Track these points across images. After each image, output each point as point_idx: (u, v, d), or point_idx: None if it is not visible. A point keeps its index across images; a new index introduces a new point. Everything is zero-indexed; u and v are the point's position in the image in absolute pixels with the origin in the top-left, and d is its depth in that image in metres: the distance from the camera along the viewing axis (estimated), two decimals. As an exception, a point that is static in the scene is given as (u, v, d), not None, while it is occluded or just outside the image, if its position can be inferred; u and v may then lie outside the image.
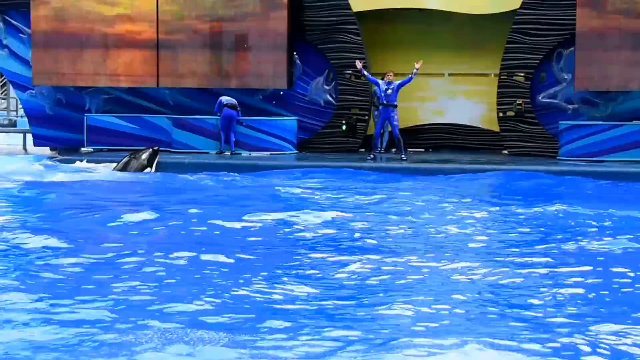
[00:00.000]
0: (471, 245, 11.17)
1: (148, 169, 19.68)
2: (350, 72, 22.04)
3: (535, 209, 13.88)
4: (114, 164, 20.11)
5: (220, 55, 22.20)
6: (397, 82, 20.32)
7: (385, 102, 20.41)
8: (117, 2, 22.31)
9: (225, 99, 21.48)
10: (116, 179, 18.58)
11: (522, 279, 9.05)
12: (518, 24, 21.37)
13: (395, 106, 20.44)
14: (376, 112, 22.35)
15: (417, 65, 20.16)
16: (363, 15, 22.27)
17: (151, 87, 22.60)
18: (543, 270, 9.40)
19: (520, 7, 21.36)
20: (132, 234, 11.73)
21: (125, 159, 19.94)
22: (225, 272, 9.26)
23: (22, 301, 8.01)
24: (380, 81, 20.48)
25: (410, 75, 20.23)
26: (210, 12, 22.08)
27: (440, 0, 22.08)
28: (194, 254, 10.09)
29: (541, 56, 21.43)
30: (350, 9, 21.93)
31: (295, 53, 22.39)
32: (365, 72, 20.59)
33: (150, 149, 20.06)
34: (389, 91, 20.34)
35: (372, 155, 20.60)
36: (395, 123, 20.53)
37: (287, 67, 21.99)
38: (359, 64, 20.72)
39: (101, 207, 14.08)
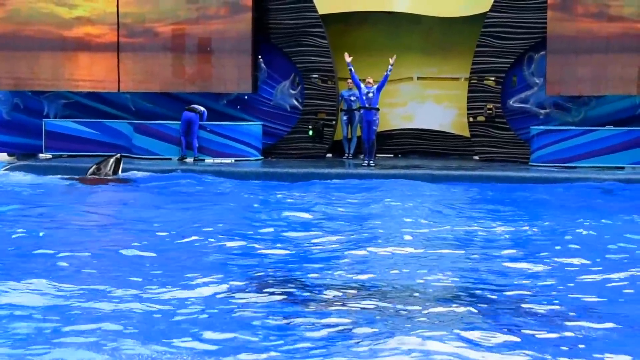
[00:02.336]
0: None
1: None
2: (316, 76, 21.50)
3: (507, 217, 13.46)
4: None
5: (183, 58, 21.62)
6: (377, 85, 19.77)
7: (367, 105, 19.86)
8: (76, 5, 21.65)
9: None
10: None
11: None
12: (488, 27, 20.93)
13: (377, 109, 19.90)
14: (344, 117, 21.86)
15: (391, 61, 19.63)
16: (329, 18, 21.75)
17: (112, 92, 21.96)
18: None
19: (490, 10, 20.93)
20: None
21: (91, 170, 19.10)
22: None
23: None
24: (362, 85, 19.90)
25: (386, 73, 19.67)
26: (172, 14, 21.47)
27: (409, 3, 21.63)
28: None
29: (512, 60, 21.00)
30: (316, 11, 21.40)
31: (260, 57, 21.81)
32: (352, 70, 19.82)
33: (114, 158, 19.23)
34: (371, 94, 19.78)
35: (367, 161, 19.96)
36: (374, 127, 19.99)
37: (252, 71, 21.43)
38: (347, 57, 19.97)
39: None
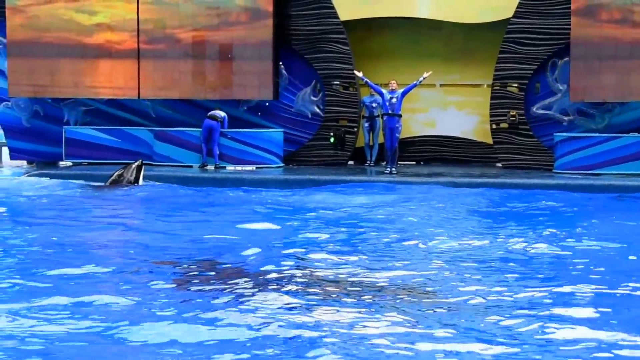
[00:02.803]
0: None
1: (135, 185, 18.73)
2: (338, 82, 21.37)
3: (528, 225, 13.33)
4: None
5: (204, 65, 21.50)
6: (401, 90, 19.63)
7: (390, 111, 19.71)
8: (96, 11, 21.57)
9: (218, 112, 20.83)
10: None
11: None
12: (511, 33, 20.74)
13: (400, 116, 19.76)
14: (366, 124, 21.72)
15: (425, 74, 19.54)
16: (351, 24, 21.59)
17: (132, 99, 21.86)
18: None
19: (513, 16, 20.74)
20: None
21: (112, 178, 18.95)
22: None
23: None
24: (384, 90, 19.77)
25: (415, 82, 19.58)
26: (192, 20, 21.36)
27: (431, 9, 21.46)
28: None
29: (535, 66, 20.80)
30: (337, 17, 21.25)
31: (281, 63, 21.68)
32: (368, 80, 19.83)
33: (135, 164, 19.05)
34: (394, 100, 19.64)
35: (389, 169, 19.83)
36: (397, 135, 19.85)
37: (273, 78, 21.29)
38: (358, 73, 19.99)
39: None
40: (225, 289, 8.82)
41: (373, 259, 10.57)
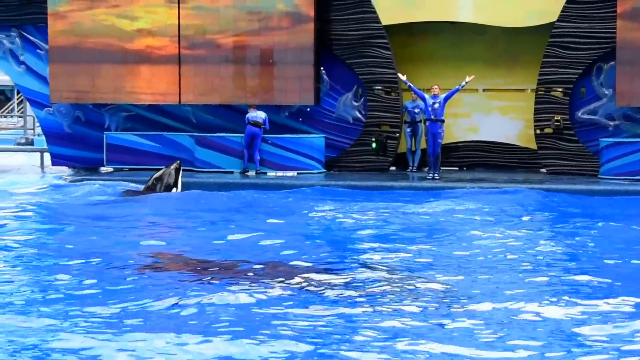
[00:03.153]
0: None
1: (174, 189, 18.57)
2: (379, 87, 21.19)
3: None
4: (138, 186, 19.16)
5: (244, 70, 21.41)
6: (444, 95, 19.45)
7: (432, 116, 19.53)
8: (137, 17, 21.56)
9: (251, 115, 20.72)
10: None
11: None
12: (556, 37, 20.47)
13: (443, 121, 19.58)
14: (408, 130, 21.54)
15: (467, 79, 19.33)
16: (392, 28, 21.40)
17: (173, 104, 21.81)
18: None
19: (558, 20, 20.46)
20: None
21: (150, 182, 18.83)
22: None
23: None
24: (426, 95, 19.60)
25: (457, 87, 19.40)
26: (233, 25, 21.28)
27: (474, 12, 21.20)
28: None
29: (580, 70, 20.50)
30: (379, 22, 21.07)
31: (322, 68, 21.54)
32: (411, 84, 19.68)
33: (173, 166, 18.85)
34: (436, 105, 19.47)
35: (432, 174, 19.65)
36: (439, 140, 19.66)
37: (314, 83, 21.16)
38: (402, 76, 19.84)
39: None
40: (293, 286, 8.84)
41: (435, 267, 10.44)
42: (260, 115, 20.71)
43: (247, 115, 20.76)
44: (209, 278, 9.54)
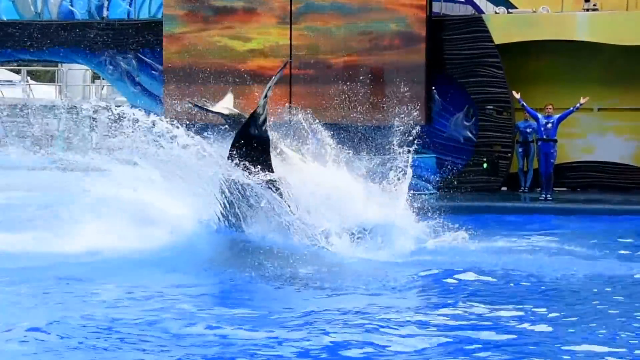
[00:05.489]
0: None
1: None
2: (491, 107, 20.96)
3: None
4: None
5: (355, 90, 21.40)
6: (557, 116, 19.22)
7: (545, 137, 19.31)
8: (250, 38, 21.80)
9: None
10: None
11: None
12: (674, 56, 19.98)
13: (556, 141, 19.34)
14: (520, 150, 21.25)
15: (582, 100, 19.03)
16: (505, 47, 21.15)
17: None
18: None
19: (677, 38, 19.96)
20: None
21: None
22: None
23: None
24: (539, 115, 19.37)
25: (572, 108, 19.15)
26: (345, 45, 21.33)
27: (590, 31, 20.75)
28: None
29: (701, 89, 19.97)
30: (492, 41, 20.87)
31: (433, 88, 21.42)
32: (524, 103, 19.47)
33: None
34: (549, 125, 19.27)
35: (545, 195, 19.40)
36: (552, 160, 19.39)
37: (426, 102, 21.05)
38: (516, 95, 19.65)
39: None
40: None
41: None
42: None
43: None
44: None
